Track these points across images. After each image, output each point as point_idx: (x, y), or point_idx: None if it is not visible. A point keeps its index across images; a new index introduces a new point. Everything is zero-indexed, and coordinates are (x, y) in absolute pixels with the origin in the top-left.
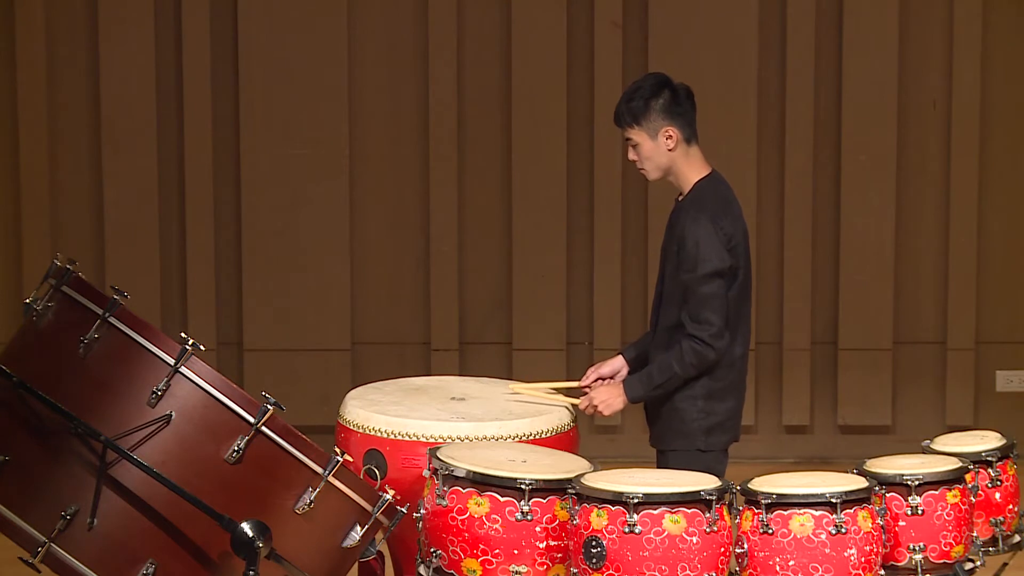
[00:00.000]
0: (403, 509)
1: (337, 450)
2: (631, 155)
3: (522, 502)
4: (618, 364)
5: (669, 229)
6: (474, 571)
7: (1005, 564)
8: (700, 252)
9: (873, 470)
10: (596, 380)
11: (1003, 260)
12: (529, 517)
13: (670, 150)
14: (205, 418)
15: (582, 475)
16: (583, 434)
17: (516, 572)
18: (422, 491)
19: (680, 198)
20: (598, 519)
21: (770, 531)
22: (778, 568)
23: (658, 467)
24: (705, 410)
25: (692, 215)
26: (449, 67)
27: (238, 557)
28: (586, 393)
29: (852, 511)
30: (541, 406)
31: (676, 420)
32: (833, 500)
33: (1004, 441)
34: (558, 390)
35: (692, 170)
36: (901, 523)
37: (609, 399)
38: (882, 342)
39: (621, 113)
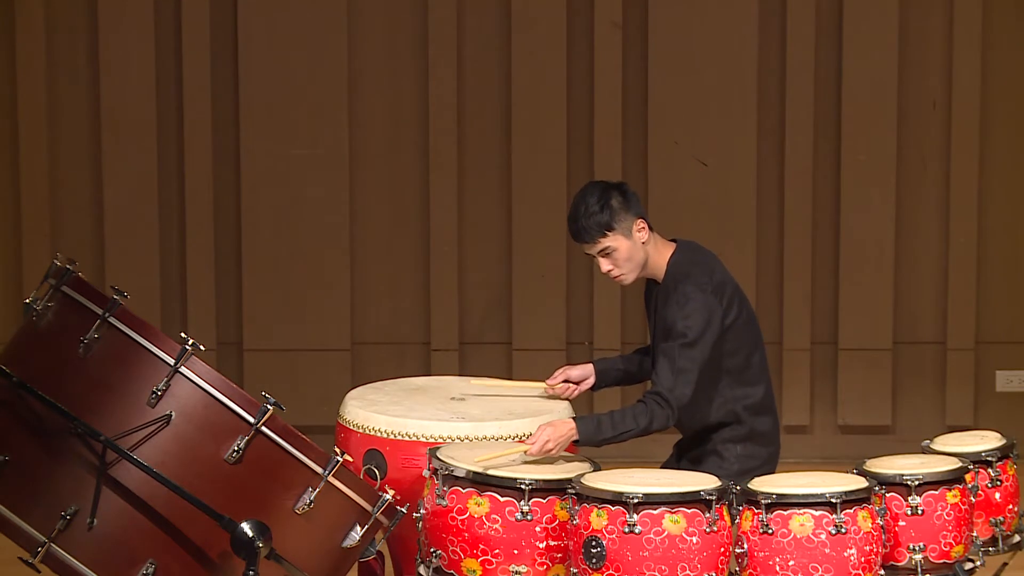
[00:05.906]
0: (403, 509)
1: (337, 450)
2: (605, 266)
3: (522, 502)
4: (588, 371)
5: (651, 312)
6: (474, 571)
7: (1005, 564)
8: (683, 324)
9: (873, 470)
10: (563, 381)
11: (1003, 260)
12: (529, 517)
13: (644, 243)
14: (205, 418)
15: (582, 475)
16: None
17: (516, 572)
18: (422, 491)
19: (658, 284)
20: (598, 519)
21: (770, 531)
22: (778, 568)
23: None
24: (744, 454)
25: (679, 290)
26: (449, 67)
27: (238, 557)
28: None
29: (852, 511)
30: (541, 406)
31: (714, 461)
32: (833, 500)
33: (1004, 441)
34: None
35: (660, 254)
36: (901, 523)
37: (560, 438)
38: (882, 342)
39: (588, 229)
